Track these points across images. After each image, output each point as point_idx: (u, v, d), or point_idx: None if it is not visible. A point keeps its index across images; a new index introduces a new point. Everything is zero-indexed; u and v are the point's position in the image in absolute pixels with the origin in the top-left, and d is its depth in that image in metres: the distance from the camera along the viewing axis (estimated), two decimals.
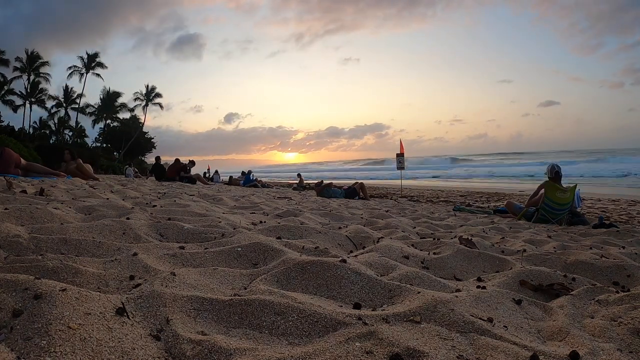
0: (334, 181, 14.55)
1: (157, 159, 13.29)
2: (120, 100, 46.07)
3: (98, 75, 43.25)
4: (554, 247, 2.76)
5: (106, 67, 43.52)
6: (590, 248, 2.76)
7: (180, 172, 11.82)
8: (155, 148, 47.46)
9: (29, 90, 39.88)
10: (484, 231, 3.69)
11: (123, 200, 3.58)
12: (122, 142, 42.59)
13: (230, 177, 16.53)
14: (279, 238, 2.15)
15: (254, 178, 15.15)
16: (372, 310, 1.16)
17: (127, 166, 19.69)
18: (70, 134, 44.06)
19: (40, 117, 43.48)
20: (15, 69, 38.79)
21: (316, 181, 11.15)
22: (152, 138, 47.80)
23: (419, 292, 1.26)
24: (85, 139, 45.70)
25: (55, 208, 2.35)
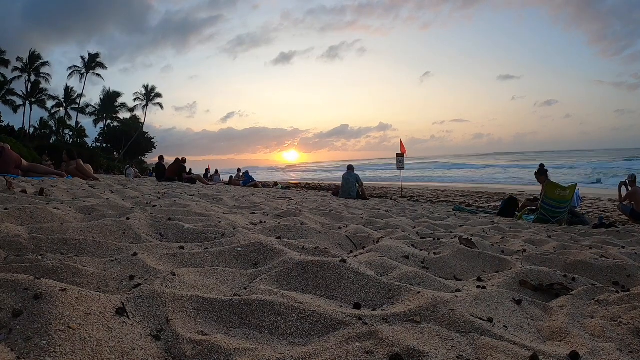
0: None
1: (161, 158, 13.21)
2: (121, 97, 46.10)
3: (98, 75, 43.28)
4: (554, 247, 2.76)
5: (106, 67, 43.55)
6: (590, 248, 2.76)
7: (181, 173, 11.82)
8: (155, 148, 47.47)
9: (29, 90, 39.87)
10: (484, 231, 3.69)
11: (123, 200, 3.58)
12: (122, 142, 42.59)
13: (230, 177, 16.54)
14: (279, 238, 2.15)
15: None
16: (372, 310, 1.16)
17: (127, 166, 19.66)
18: (71, 134, 44.04)
19: (41, 118, 43.48)
20: (15, 69, 38.78)
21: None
22: (152, 138, 47.81)
23: (419, 292, 1.26)
24: (86, 139, 45.68)
25: (55, 208, 2.35)
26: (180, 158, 12.21)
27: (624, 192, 6.75)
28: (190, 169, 12.47)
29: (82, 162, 7.28)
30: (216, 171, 20.00)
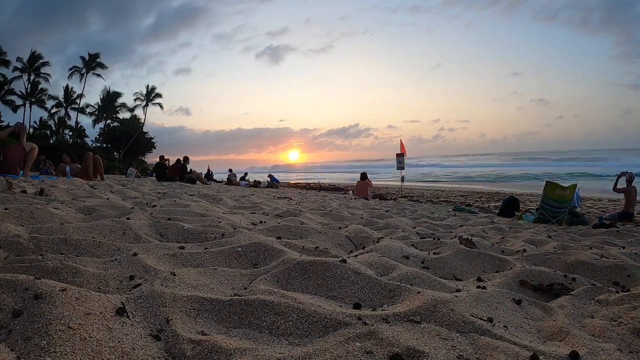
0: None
1: (161, 158, 13.18)
2: (122, 97, 46.11)
3: (99, 75, 43.29)
4: (554, 247, 2.76)
5: (106, 67, 43.55)
6: (590, 248, 2.76)
7: (182, 172, 11.82)
8: (155, 148, 47.45)
9: (29, 90, 39.85)
10: (484, 231, 3.69)
11: (123, 200, 3.58)
12: (122, 142, 42.58)
13: (229, 177, 16.56)
14: (279, 238, 2.14)
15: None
16: (372, 310, 1.16)
17: (129, 167, 19.69)
18: (70, 134, 44.03)
19: (41, 117, 43.47)
20: (16, 69, 38.78)
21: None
22: (152, 138, 47.82)
23: (419, 292, 1.26)
24: (85, 139, 45.65)
25: (55, 208, 2.35)
26: (184, 157, 12.24)
27: (622, 183, 7.03)
28: (192, 169, 12.48)
29: (90, 160, 7.12)
30: (245, 175, 18.32)
